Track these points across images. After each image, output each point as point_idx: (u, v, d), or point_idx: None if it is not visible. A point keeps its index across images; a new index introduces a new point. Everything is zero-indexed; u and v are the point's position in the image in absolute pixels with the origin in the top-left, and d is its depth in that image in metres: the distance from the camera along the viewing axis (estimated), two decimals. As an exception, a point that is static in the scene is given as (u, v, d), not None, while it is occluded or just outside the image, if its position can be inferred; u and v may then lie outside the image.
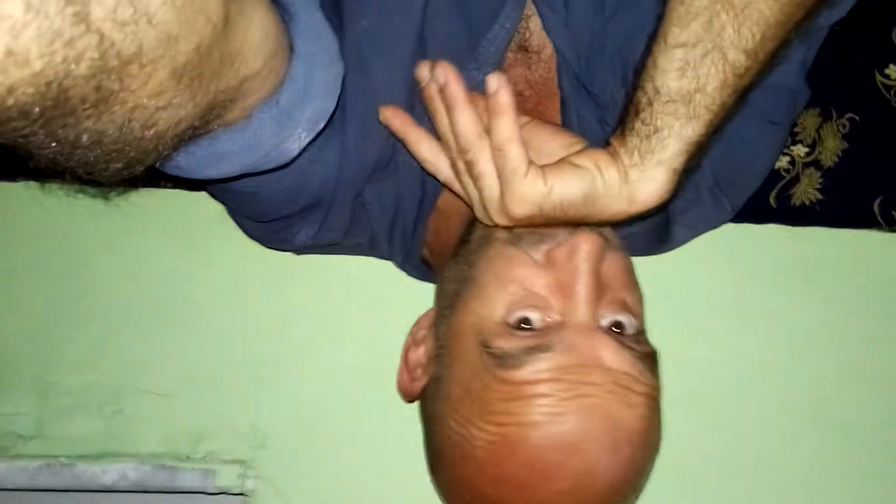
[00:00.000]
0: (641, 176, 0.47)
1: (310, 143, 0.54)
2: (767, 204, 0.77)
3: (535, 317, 0.50)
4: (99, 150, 0.36)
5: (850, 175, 0.76)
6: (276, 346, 0.75)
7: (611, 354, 0.48)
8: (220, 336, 0.75)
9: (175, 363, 0.74)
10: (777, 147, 0.63)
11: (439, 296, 0.59)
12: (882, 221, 0.76)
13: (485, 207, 0.51)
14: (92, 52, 0.30)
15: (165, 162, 0.46)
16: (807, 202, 0.76)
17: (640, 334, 0.53)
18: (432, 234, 0.64)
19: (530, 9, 0.58)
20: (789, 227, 0.78)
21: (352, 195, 0.60)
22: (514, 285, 0.51)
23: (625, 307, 0.52)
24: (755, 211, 0.77)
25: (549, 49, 0.59)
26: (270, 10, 0.41)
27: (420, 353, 0.59)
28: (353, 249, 0.70)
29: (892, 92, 0.77)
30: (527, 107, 0.60)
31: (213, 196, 0.65)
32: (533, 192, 0.48)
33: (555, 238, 0.51)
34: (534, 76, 0.60)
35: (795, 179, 0.76)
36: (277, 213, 0.61)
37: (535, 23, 0.58)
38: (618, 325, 0.51)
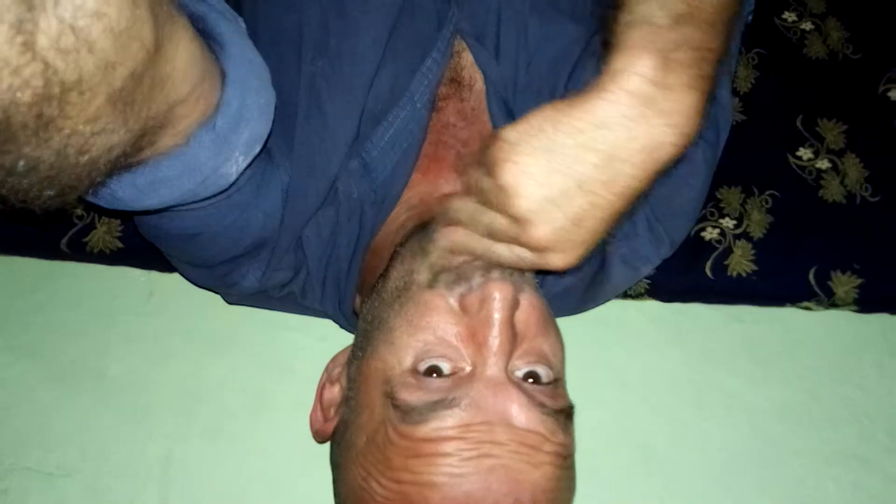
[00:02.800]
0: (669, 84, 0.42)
1: (250, 179, 0.55)
2: (705, 276, 0.77)
3: (444, 367, 0.48)
4: (34, 177, 0.36)
5: (780, 247, 0.78)
6: (188, 425, 0.68)
7: (519, 412, 0.46)
8: (128, 412, 0.68)
9: (75, 440, 0.66)
10: (706, 167, 0.64)
11: (356, 334, 0.57)
12: (820, 293, 0.76)
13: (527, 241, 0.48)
14: (37, 81, 0.32)
15: (99, 192, 0.46)
16: (743, 273, 0.76)
17: (557, 385, 0.50)
18: (364, 276, 0.62)
19: (461, 44, 0.62)
20: (732, 307, 0.78)
21: (297, 234, 0.59)
22: (425, 333, 0.49)
23: (541, 357, 0.50)
24: (694, 284, 0.77)
25: (479, 82, 0.62)
26: (196, 37, 0.43)
27: (335, 392, 0.56)
28: (286, 303, 0.67)
29: (806, 171, 0.82)
30: (459, 137, 0.62)
31: (154, 242, 0.62)
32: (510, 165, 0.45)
33: (469, 282, 0.50)
34: (465, 108, 0.62)
35: (728, 250, 0.77)
36: (222, 255, 0.60)
37: (466, 57, 0.62)
38: (533, 375, 0.49)
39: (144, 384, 0.70)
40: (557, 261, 0.47)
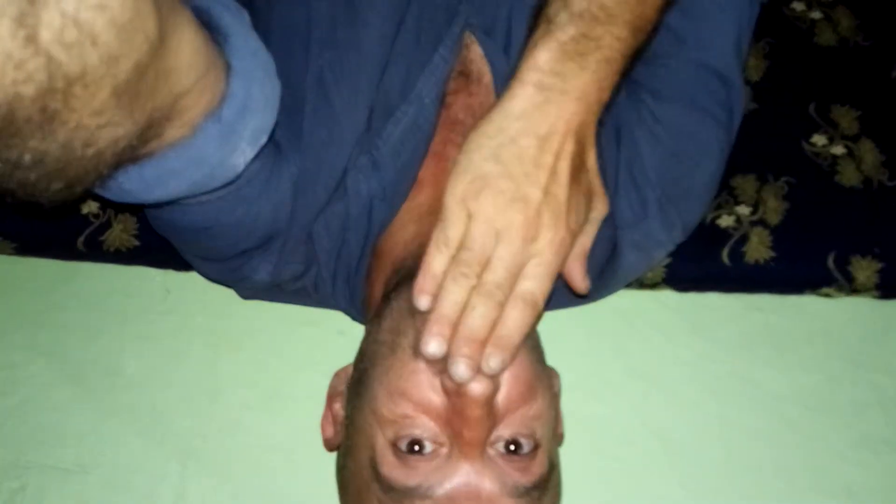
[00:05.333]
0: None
1: (259, 172, 0.56)
2: (721, 263, 0.76)
3: (426, 443, 0.48)
4: (40, 170, 0.36)
5: (799, 233, 0.77)
6: (205, 421, 0.68)
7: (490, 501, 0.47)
8: (145, 409, 0.68)
9: (92, 438, 0.66)
10: (718, 149, 0.63)
11: (357, 354, 0.56)
12: (840, 278, 0.75)
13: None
14: (40, 74, 0.32)
15: (107, 184, 0.47)
16: (760, 260, 0.76)
17: (536, 453, 0.50)
18: (371, 277, 0.61)
19: (470, 37, 0.62)
20: (750, 296, 0.77)
21: (307, 227, 0.59)
22: (404, 407, 0.49)
23: (524, 424, 0.49)
24: (711, 271, 0.76)
25: (488, 76, 0.62)
26: (199, 28, 0.44)
27: (337, 409, 0.56)
28: (300, 296, 0.67)
29: (821, 157, 0.81)
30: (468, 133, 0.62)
31: (166, 236, 0.63)
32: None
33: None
34: (474, 103, 0.62)
35: (745, 237, 0.76)
36: (234, 248, 0.60)
37: (475, 50, 0.62)
38: (515, 442, 0.49)
39: (162, 381, 0.70)
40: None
